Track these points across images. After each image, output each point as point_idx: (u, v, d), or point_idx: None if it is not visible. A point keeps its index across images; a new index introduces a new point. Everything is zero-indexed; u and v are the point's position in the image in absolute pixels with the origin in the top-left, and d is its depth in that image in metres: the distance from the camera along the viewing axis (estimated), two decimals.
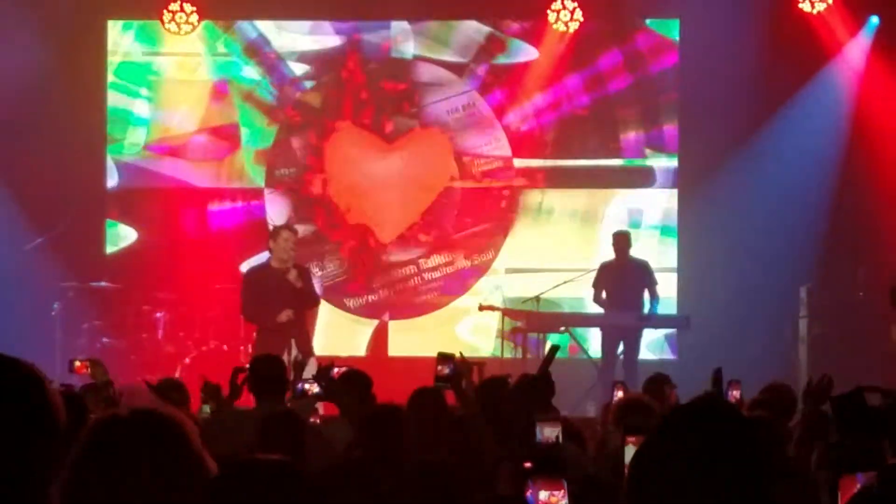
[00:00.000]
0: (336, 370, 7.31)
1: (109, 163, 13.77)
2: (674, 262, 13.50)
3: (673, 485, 2.31)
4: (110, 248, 13.76)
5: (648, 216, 13.62)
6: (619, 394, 8.25)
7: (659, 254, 13.37)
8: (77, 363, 7.18)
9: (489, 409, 6.73)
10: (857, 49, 13.35)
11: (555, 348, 6.95)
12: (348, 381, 7.08)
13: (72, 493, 2.48)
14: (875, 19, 13.27)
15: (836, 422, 4.99)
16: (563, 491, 3.56)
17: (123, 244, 13.76)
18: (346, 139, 13.78)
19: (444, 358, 7.07)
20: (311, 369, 8.33)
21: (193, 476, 2.51)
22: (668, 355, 13.24)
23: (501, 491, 4.71)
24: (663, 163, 13.66)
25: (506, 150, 13.74)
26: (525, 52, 13.72)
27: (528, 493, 3.58)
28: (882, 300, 11.34)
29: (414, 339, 13.51)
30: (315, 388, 7.04)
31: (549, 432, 5.56)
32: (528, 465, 3.82)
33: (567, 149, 13.70)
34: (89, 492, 2.49)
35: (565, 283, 12.93)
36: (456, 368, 7.13)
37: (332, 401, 7.23)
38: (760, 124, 13.22)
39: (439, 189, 13.71)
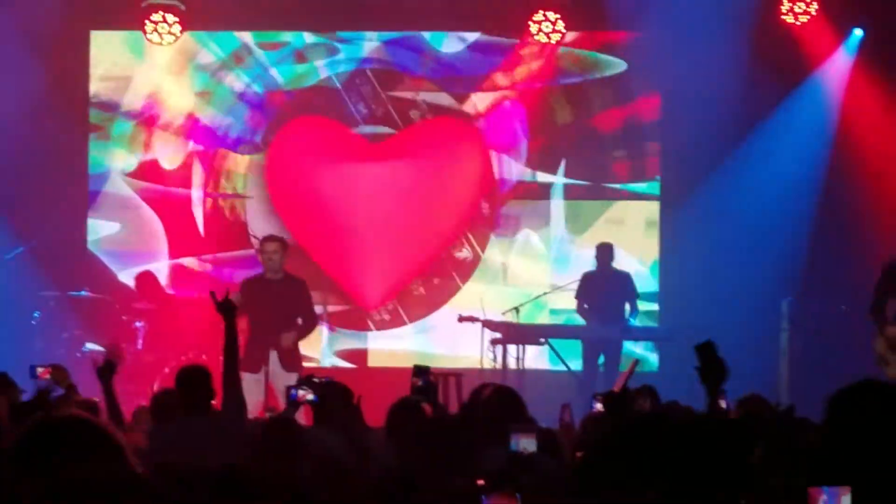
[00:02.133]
0: (316, 381, 7.30)
1: (92, 171, 13.78)
2: (655, 275, 13.52)
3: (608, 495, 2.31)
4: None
5: (630, 229, 13.63)
6: (598, 406, 8.24)
7: (640, 267, 13.40)
8: (40, 369, 7.14)
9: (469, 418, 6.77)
10: (840, 61, 13.36)
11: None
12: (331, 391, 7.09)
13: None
14: (858, 32, 13.28)
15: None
16: None
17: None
18: (330, 151, 13.74)
19: (419, 370, 7.12)
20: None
21: (121, 483, 2.48)
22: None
23: None
24: (646, 176, 13.68)
25: (486, 158, 13.74)
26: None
27: None
28: (864, 313, 11.34)
29: (394, 349, 13.49)
30: (310, 396, 6.98)
31: (525, 444, 5.53)
32: (480, 482, 3.77)
33: (550, 168, 13.69)
34: (14, 494, 2.47)
35: (545, 294, 12.95)
36: (432, 380, 7.17)
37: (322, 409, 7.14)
38: (743, 137, 13.22)
39: (423, 200, 13.68)
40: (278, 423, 6.23)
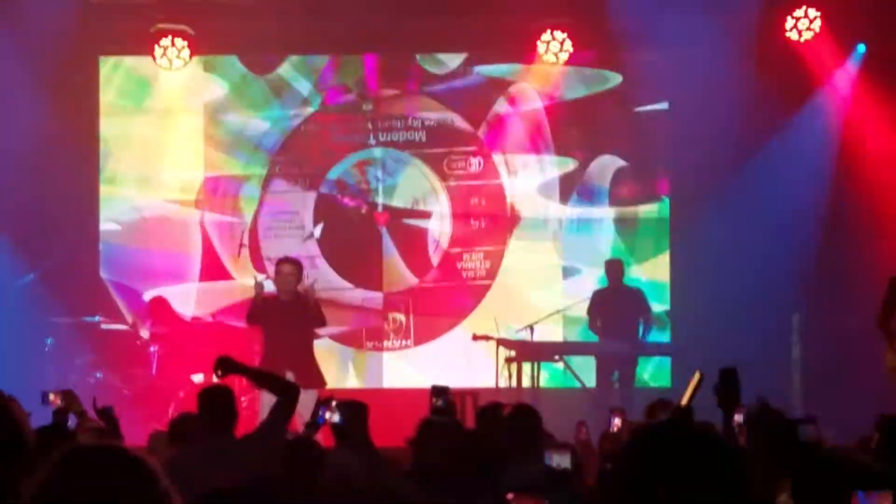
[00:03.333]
0: (334, 403, 7.29)
1: (104, 194, 13.84)
2: (667, 290, 13.57)
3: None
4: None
5: (641, 246, 13.69)
6: (617, 421, 8.29)
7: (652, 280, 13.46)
8: (51, 395, 7.18)
9: (485, 436, 6.82)
10: (844, 77, 13.44)
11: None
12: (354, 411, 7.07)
13: None
14: (862, 47, 13.36)
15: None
16: None
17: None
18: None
19: (438, 391, 7.13)
20: (309, 402, 8.34)
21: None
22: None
23: None
24: (655, 194, 13.75)
25: (496, 179, 13.81)
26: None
27: None
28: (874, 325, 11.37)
29: (410, 369, 13.54)
30: (336, 417, 6.93)
31: (559, 460, 5.57)
32: (510, 496, 3.79)
33: (560, 188, 13.77)
34: None
35: (558, 312, 12.99)
36: (450, 400, 7.21)
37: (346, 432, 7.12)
38: (750, 153, 13.28)
39: (431, 219, 13.78)
40: (301, 444, 6.24)
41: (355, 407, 7.13)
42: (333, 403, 7.05)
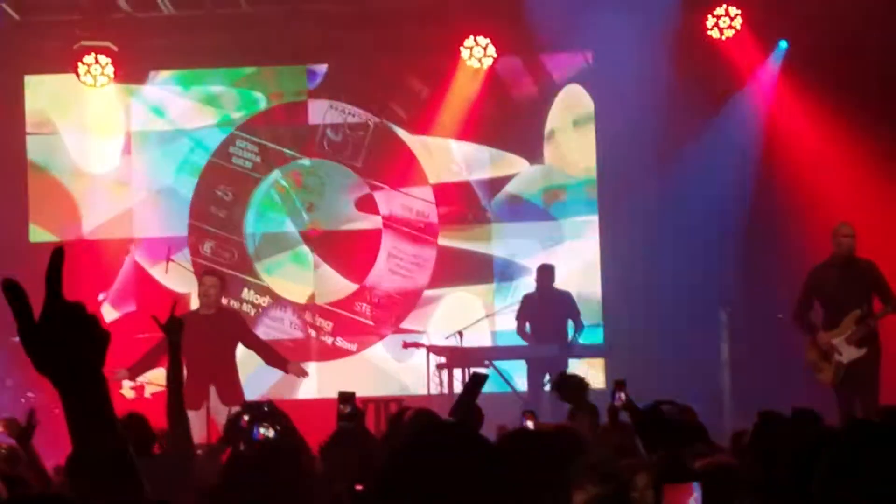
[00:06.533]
0: (245, 418, 7.20)
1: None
2: (598, 291, 13.60)
3: None
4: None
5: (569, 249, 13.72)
6: (529, 424, 8.30)
7: (581, 283, 13.48)
8: None
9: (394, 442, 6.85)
10: (767, 73, 13.52)
11: (477, 378, 6.53)
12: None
13: None
14: (784, 44, 13.44)
15: (639, 437, 5.18)
16: None
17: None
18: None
19: (345, 398, 7.12)
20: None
21: None
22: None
23: None
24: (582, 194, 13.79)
25: (427, 191, 13.80)
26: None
27: None
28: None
29: (340, 380, 13.49)
30: (271, 433, 6.80)
31: None
32: (359, 487, 3.74)
33: (488, 189, 13.78)
34: None
35: (487, 317, 13.00)
36: (358, 407, 7.20)
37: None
38: (674, 151, 13.32)
39: (363, 230, 13.77)
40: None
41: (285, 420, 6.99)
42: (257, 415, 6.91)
